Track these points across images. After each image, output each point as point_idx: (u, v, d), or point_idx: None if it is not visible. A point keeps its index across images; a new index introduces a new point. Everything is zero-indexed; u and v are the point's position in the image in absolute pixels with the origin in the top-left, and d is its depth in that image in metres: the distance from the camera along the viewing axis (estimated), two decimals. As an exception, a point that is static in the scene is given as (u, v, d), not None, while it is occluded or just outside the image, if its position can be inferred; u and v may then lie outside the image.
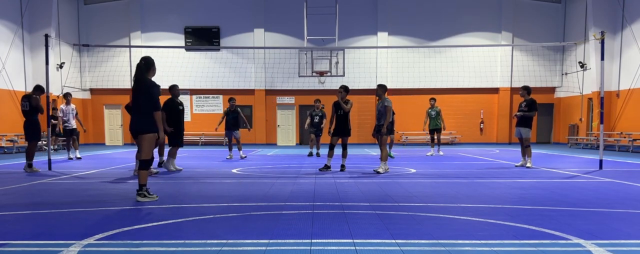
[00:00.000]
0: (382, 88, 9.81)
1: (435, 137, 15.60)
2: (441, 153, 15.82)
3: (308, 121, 15.05)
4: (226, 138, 14.37)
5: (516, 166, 11.12)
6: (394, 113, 14.16)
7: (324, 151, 15.39)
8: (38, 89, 10.60)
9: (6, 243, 3.91)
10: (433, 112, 15.27)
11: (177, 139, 10.27)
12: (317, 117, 14.87)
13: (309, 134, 15.17)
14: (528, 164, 10.86)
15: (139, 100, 6.11)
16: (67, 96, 13.92)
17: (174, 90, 10.29)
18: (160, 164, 10.69)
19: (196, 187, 7.53)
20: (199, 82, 23.38)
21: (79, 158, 13.87)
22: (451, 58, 23.64)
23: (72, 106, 13.92)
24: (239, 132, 13.98)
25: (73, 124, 13.82)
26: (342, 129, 10.19)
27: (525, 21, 23.67)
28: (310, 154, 15.12)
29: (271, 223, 4.71)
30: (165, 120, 9.88)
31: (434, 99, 15.56)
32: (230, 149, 14.27)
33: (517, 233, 4.20)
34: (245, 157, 14.14)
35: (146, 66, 6.18)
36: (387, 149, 14.36)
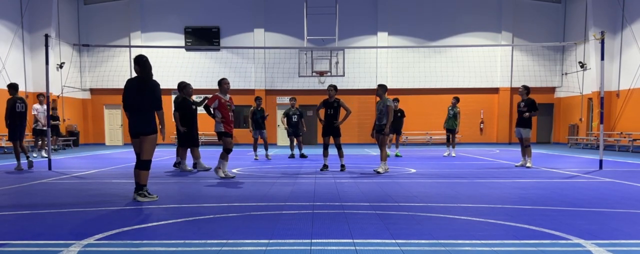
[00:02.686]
0: (382, 88, 9.78)
1: (451, 137, 15.06)
2: (453, 154, 15.08)
3: (285, 120, 14.28)
4: (255, 137, 13.82)
5: (516, 166, 11.12)
6: (403, 115, 14.24)
7: (307, 151, 15.25)
8: (16, 88, 10.68)
9: (6, 243, 3.91)
10: (451, 112, 14.74)
11: (189, 140, 10.05)
12: (295, 116, 14.20)
13: (288, 135, 14.46)
14: (528, 164, 10.86)
15: (145, 100, 6.02)
16: (40, 97, 14.22)
17: (186, 89, 10.11)
18: (176, 165, 10.57)
19: (196, 188, 7.52)
20: (199, 82, 23.17)
21: (45, 157, 14.09)
22: (451, 58, 23.64)
23: (45, 106, 14.17)
24: (265, 132, 13.76)
25: (45, 124, 14.13)
26: (332, 129, 10.18)
27: (525, 21, 23.67)
28: (292, 156, 14.30)
29: (271, 223, 4.71)
30: (178, 120, 9.84)
31: (457, 99, 14.85)
32: (255, 150, 13.96)
33: (517, 233, 4.20)
34: (271, 158, 13.85)
35: (147, 65, 6.08)
36: (394, 148, 14.40)
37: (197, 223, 4.74)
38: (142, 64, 6.06)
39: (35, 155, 14.43)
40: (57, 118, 17.13)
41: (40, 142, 14.79)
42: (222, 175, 8.67)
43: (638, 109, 18.52)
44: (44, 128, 14.25)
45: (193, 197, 6.53)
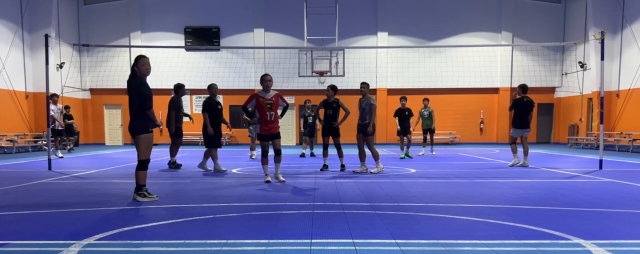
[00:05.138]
0: (366, 86, 9.64)
1: (428, 137, 15.74)
2: (434, 153, 15.95)
3: (302, 122, 14.88)
4: (251, 136, 14.15)
5: (517, 166, 11.12)
6: (411, 114, 14.09)
7: (317, 151, 15.44)
8: None
9: (6, 243, 3.92)
10: (425, 113, 15.37)
11: (214, 141, 9.97)
12: (311, 117, 14.68)
13: (303, 135, 15.06)
14: (510, 163, 11.33)
15: (132, 99, 6.03)
16: (53, 97, 14.15)
17: (211, 89, 10.05)
18: (171, 164, 10.66)
19: (196, 188, 7.52)
20: (199, 82, 23.31)
21: (61, 157, 13.99)
22: (451, 58, 23.64)
23: (59, 106, 14.14)
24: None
25: (61, 123, 14.04)
26: (332, 129, 10.19)
27: (525, 21, 23.67)
28: (303, 155, 14.81)
29: (271, 223, 4.71)
30: (209, 121, 9.78)
31: (428, 100, 15.63)
32: (253, 149, 14.25)
33: (517, 233, 4.20)
34: (255, 157, 14.16)
35: (134, 63, 6.07)
36: (405, 149, 14.28)
37: (197, 223, 4.74)
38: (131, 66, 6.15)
39: (60, 155, 14.12)
40: (71, 117, 17.13)
41: (62, 142, 14.62)
42: (267, 179, 8.09)
43: (638, 109, 18.51)
44: (61, 128, 14.13)
45: (193, 197, 6.52)
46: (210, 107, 9.82)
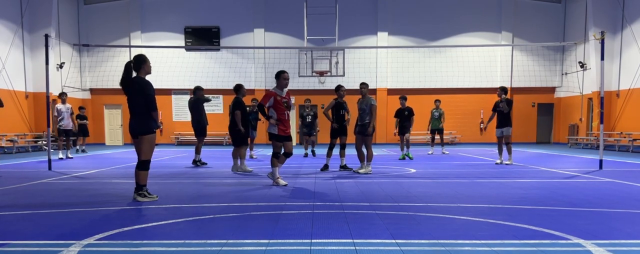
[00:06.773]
0: (366, 86, 9.72)
1: (438, 137, 16.14)
2: (446, 152, 16.24)
3: (299, 122, 14.94)
4: (250, 136, 14.50)
5: (496, 164, 11.64)
6: (412, 114, 13.99)
7: (318, 151, 15.43)
8: None
9: (6, 243, 3.92)
10: (436, 114, 15.73)
11: (244, 139, 10.26)
12: (310, 117, 14.63)
13: (302, 135, 15.06)
14: (507, 161, 11.64)
15: (135, 101, 6.02)
16: (62, 95, 14.00)
17: (241, 89, 10.31)
18: (195, 162, 11.34)
19: (196, 188, 7.52)
20: (199, 82, 23.13)
21: (70, 158, 13.91)
22: (451, 58, 23.64)
23: (68, 105, 13.96)
24: (255, 133, 14.13)
25: (69, 124, 13.83)
26: (341, 129, 10.19)
27: (525, 21, 23.66)
28: (306, 155, 14.82)
29: (271, 223, 4.71)
30: (240, 120, 10.05)
31: (439, 101, 16.06)
32: (251, 149, 14.51)
33: (517, 233, 4.20)
34: (256, 157, 14.40)
35: (137, 64, 6.08)
36: (405, 149, 14.23)
37: (197, 223, 4.74)
38: (126, 65, 6.17)
39: (61, 156, 13.83)
40: (85, 117, 17.08)
41: (64, 143, 14.28)
42: (284, 183, 7.63)
43: (638, 109, 18.51)
44: (69, 128, 13.92)
45: (193, 197, 6.53)
46: (241, 106, 10.16)
